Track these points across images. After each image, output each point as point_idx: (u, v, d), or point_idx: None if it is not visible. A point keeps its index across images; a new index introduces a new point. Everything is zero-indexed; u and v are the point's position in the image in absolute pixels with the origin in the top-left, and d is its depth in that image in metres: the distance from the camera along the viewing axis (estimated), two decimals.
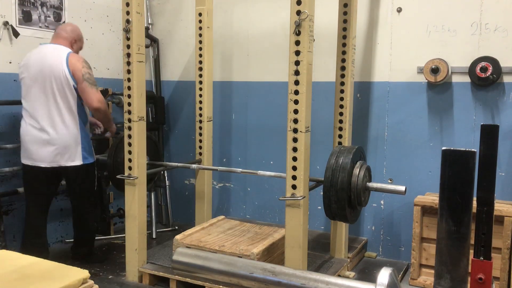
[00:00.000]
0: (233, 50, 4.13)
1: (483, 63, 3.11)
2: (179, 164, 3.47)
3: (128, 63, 2.92)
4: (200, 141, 3.73)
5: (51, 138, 3.06)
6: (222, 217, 3.55)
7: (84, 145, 3.15)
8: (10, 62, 3.37)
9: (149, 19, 4.40)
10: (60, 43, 3.15)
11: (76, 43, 3.23)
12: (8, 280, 2.10)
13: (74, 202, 3.39)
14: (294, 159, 2.56)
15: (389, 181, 3.56)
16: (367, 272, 3.36)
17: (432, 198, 3.17)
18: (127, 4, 2.87)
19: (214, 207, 4.08)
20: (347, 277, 3.21)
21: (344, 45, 3.16)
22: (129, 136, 2.98)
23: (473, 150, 1.41)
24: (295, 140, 2.54)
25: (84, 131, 3.17)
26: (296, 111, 2.52)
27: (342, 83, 3.18)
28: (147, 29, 4.26)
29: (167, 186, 4.43)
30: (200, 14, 3.61)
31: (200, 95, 3.68)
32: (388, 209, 3.62)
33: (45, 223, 3.30)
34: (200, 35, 3.62)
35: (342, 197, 2.60)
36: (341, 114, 3.19)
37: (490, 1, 3.16)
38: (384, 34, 3.52)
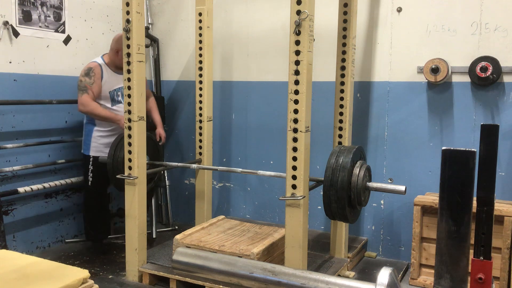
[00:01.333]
0: (233, 50, 4.13)
1: (483, 63, 3.11)
2: (179, 164, 3.47)
3: (128, 63, 2.92)
4: (200, 141, 3.73)
5: None
6: (222, 217, 3.55)
7: (84, 138, 3.61)
8: (10, 62, 3.37)
9: (149, 19, 4.40)
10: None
11: (110, 51, 3.58)
12: (8, 280, 2.11)
13: None
14: (294, 158, 2.56)
15: (389, 181, 3.56)
16: (367, 272, 3.36)
17: (432, 198, 3.17)
18: (127, 4, 2.87)
19: (214, 207, 4.09)
20: (347, 277, 3.21)
21: (344, 44, 3.15)
22: (129, 136, 2.98)
23: (473, 149, 1.41)
24: (295, 139, 2.54)
25: (87, 126, 3.59)
26: (296, 111, 2.52)
27: (342, 83, 3.18)
28: (147, 29, 4.26)
29: (167, 186, 4.43)
30: (200, 14, 3.61)
31: (200, 95, 3.68)
32: (388, 208, 3.62)
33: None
34: (200, 34, 3.62)
35: (342, 196, 2.60)
36: (341, 114, 3.19)
37: (490, 1, 3.16)
38: (384, 34, 3.52)
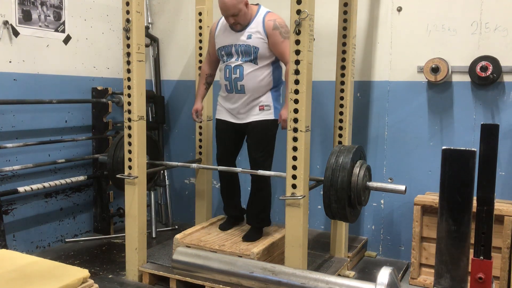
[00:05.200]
0: None
1: (483, 63, 3.11)
2: (179, 164, 3.47)
3: (128, 63, 2.92)
4: (200, 140, 3.73)
5: None
6: (222, 216, 3.55)
7: None
8: (10, 62, 3.37)
9: (149, 18, 4.40)
10: None
11: None
12: (8, 280, 2.11)
13: None
14: (294, 158, 2.56)
15: (389, 181, 3.56)
16: (367, 272, 3.36)
17: (432, 197, 3.17)
18: (127, 4, 2.87)
19: (214, 206, 4.08)
20: (347, 277, 3.21)
21: (344, 44, 3.15)
22: (129, 136, 2.98)
23: (473, 149, 1.41)
24: (295, 139, 2.54)
25: None
26: (296, 111, 2.52)
27: (342, 83, 3.18)
28: (147, 28, 4.26)
29: (167, 186, 4.43)
30: (200, 13, 3.61)
31: None
32: (388, 208, 3.62)
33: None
34: (200, 34, 3.62)
35: (342, 196, 2.60)
36: (341, 113, 3.19)
37: (490, 1, 3.16)
38: (384, 34, 3.52)
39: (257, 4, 3.13)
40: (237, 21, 3.00)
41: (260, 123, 3.08)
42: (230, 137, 3.24)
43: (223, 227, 3.32)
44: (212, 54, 3.28)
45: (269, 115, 3.08)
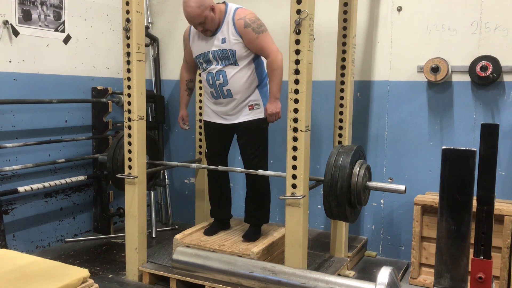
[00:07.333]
0: None
1: (483, 62, 3.11)
2: (179, 163, 3.47)
3: (128, 62, 2.92)
4: (200, 140, 3.73)
5: None
6: None
7: None
8: (10, 61, 3.37)
9: (149, 18, 4.40)
10: None
11: None
12: (8, 279, 2.11)
13: None
14: (294, 158, 2.56)
15: (389, 180, 3.56)
16: (367, 271, 3.36)
17: (432, 197, 3.17)
18: (127, 3, 2.87)
19: None
20: (347, 276, 3.21)
21: (344, 44, 3.15)
22: (129, 136, 2.98)
23: (473, 149, 1.41)
24: (295, 139, 2.54)
25: None
26: (296, 110, 2.52)
27: (342, 82, 3.18)
28: (147, 28, 4.26)
29: (167, 185, 4.43)
30: None
31: (200, 94, 3.68)
32: (388, 208, 3.62)
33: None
34: None
35: (342, 196, 2.60)
36: (341, 113, 3.19)
37: (490, 0, 3.16)
38: (384, 33, 3.52)
39: (223, 2, 3.03)
40: (206, 28, 2.92)
41: (251, 123, 3.04)
42: (219, 137, 3.22)
43: (209, 232, 3.24)
44: (190, 61, 3.23)
45: (259, 113, 3.04)
